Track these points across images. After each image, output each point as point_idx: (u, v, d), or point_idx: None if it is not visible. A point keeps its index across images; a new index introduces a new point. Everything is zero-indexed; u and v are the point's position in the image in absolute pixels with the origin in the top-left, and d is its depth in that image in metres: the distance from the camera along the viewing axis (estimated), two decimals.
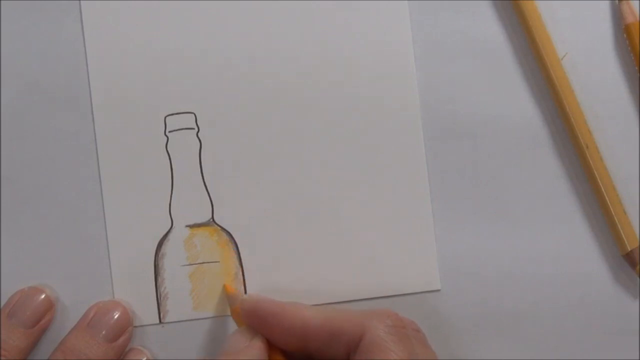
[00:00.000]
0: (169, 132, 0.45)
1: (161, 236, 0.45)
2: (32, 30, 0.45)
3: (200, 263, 0.45)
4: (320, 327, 0.38)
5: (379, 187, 0.45)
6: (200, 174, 0.45)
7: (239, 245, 0.45)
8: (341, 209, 0.45)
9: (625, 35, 0.44)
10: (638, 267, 0.43)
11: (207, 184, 0.45)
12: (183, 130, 0.45)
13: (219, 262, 0.45)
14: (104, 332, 0.43)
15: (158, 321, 0.45)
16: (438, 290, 0.45)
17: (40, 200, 0.45)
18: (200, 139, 0.45)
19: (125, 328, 0.44)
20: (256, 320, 0.40)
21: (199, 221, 0.45)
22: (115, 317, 0.44)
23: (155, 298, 0.45)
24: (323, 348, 0.39)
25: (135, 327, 0.45)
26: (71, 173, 0.45)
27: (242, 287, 0.45)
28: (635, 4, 0.44)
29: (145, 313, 0.45)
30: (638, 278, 0.44)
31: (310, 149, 0.45)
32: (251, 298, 0.41)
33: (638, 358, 0.44)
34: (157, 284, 0.45)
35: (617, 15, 0.45)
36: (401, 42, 0.45)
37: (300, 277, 0.44)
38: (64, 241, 0.44)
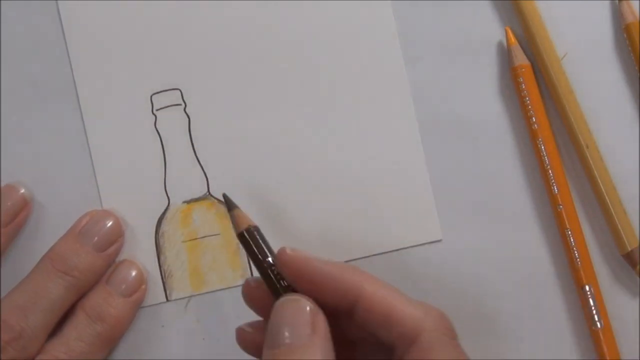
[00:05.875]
0: (156, 110, 0.45)
1: (159, 215, 0.45)
2: (6, 18, 0.46)
3: (200, 237, 0.45)
4: (378, 308, 0.36)
5: (374, 160, 0.45)
6: (192, 149, 0.45)
7: None
8: (337, 176, 0.45)
9: (625, 35, 0.44)
10: (638, 267, 0.43)
11: (199, 157, 0.45)
12: (170, 107, 0.45)
13: (219, 234, 0.45)
14: (94, 240, 0.43)
15: (165, 299, 0.45)
16: (440, 241, 0.45)
17: (34, 192, 0.45)
18: (188, 113, 0.45)
19: (117, 238, 0.44)
20: (302, 280, 0.36)
21: (196, 196, 0.45)
22: (107, 225, 0.44)
23: (160, 277, 0.45)
24: (370, 324, 0.36)
25: (144, 307, 0.45)
26: (63, 163, 0.45)
27: (245, 258, 0.45)
28: (635, 4, 0.44)
29: (152, 292, 0.45)
30: (638, 278, 0.44)
31: (301, 126, 0.45)
32: (297, 254, 0.37)
33: (638, 358, 0.44)
34: (160, 263, 0.45)
35: (617, 15, 0.45)
36: (389, 42, 0.45)
37: (301, 239, 0.45)
38: (61, 229, 0.44)
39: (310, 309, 0.35)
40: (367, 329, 0.37)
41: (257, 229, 0.38)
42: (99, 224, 0.44)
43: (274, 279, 0.37)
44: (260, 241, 0.38)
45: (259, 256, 0.38)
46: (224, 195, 0.40)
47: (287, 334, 0.35)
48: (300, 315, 0.35)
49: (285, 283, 0.37)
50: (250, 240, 0.38)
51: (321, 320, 0.35)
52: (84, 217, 0.44)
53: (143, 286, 0.44)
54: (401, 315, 0.36)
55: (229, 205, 0.39)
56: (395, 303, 0.36)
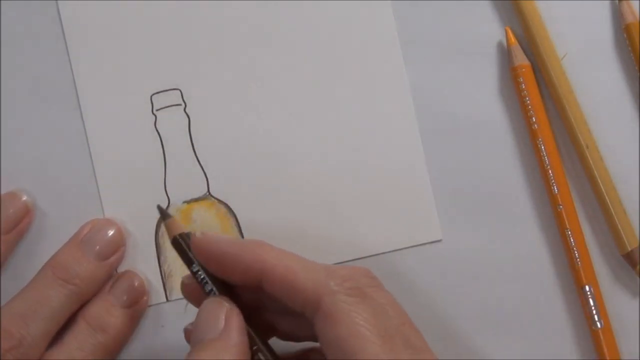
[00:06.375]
0: (156, 110, 0.45)
1: (159, 215, 0.44)
2: (6, 18, 0.45)
3: None
4: (279, 277, 0.37)
5: (371, 157, 0.45)
6: (192, 149, 0.45)
7: (238, 215, 0.45)
8: (337, 176, 0.45)
9: (625, 35, 0.44)
10: (638, 267, 0.43)
11: (199, 157, 0.45)
12: (170, 107, 0.45)
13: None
14: (97, 249, 0.43)
15: (165, 299, 0.45)
16: (440, 241, 0.45)
17: (34, 192, 0.45)
18: (188, 114, 0.45)
19: (119, 246, 0.44)
20: (212, 261, 0.38)
21: (196, 196, 0.45)
22: (109, 234, 0.44)
23: (160, 277, 0.45)
24: (280, 294, 0.37)
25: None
26: (63, 163, 0.45)
27: None
28: (635, 4, 0.44)
29: (152, 292, 0.45)
30: (638, 278, 0.44)
31: (300, 126, 0.45)
32: (206, 238, 0.39)
33: (638, 358, 0.44)
34: (160, 263, 0.45)
35: (617, 15, 0.45)
36: (389, 42, 0.45)
37: (302, 240, 0.44)
38: (61, 229, 0.44)
39: (225, 307, 0.37)
40: (280, 302, 0.37)
41: (188, 235, 0.40)
42: (100, 232, 0.44)
43: (198, 283, 0.39)
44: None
45: (192, 260, 0.39)
46: (158, 207, 0.41)
47: (201, 330, 0.37)
48: (214, 312, 0.37)
49: (210, 287, 0.39)
50: (182, 246, 0.40)
51: (235, 315, 0.37)
52: (86, 225, 0.44)
53: (145, 297, 0.44)
54: (301, 281, 0.36)
55: (163, 215, 0.41)
56: (296, 269, 0.37)
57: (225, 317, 0.37)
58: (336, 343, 0.35)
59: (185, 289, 0.41)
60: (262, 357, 0.38)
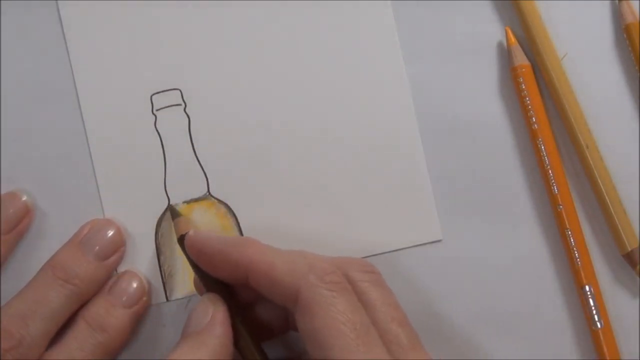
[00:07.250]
0: (156, 110, 0.45)
1: (159, 215, 0.45)
2: (6, 18, 0.46)
3: None
4: (262, 273, 0.38)
5: (372, 163, 0.45)
6: (192, 149, 0.45)
7: (238, 215, 0.45)
8: (338, 176, 0.45)
9: (625, 35, 0.44)
10: (638, 267, 0.43)
11: (199, 157, 0.45)
12: (170, 107, 0.45)
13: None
14: (96, 249, 0.43)
15: (165, 299, 0.45)
16: (440, 241, 0.45)
17: (33, 192, 0.45)
18: (188, 113, 0.45)
19: (118, 247, 0.44)
20: (202, 258, 0.40)
21: (196, 196, 0.45)
22: (109, 235, 0.44)
23: (160, 277, 0.45)
24: (263, 290, 0.38)
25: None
26: (63, 163, 0.45)
27: None
28: (635, 4, 0.44)
29: (152, 292, 0.45)
30: (638, 278, 0.44)
31: (300, 126, 0.45)
32: (197, 236, 0.41)
33: (638, 358, 0.44)
34: (160, 263, 0.45)
35: (617, 15, 0.45)
36: (389, 42, 0.45)
37: (301, 240, 0.44)
38: (61, 229, 0.44)
39: (215, 303, 0.39)
40: (266, 297, 0.38)
41: None
42: (100, 233, 0.44)
43: (201, 279, 0.41)
44: None
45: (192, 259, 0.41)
46: (170, 206, 0.43)
47: (189, 324, 0.39)
48: (203, 308, 0.39)
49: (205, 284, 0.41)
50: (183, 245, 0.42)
51: (221, 311, 0.39)
52: (86, 226, 0.44)
53: (144, 298, 0.44)
54: (280, 275, 0.37)
55: (173, 214, 0.43)
56: (276, 264, 0.38)
57: (212, 312, 0.39)
58: (312, 335, 0.36)
59: (196, 286, 0.42)
60: (248, 354, 0.39)
